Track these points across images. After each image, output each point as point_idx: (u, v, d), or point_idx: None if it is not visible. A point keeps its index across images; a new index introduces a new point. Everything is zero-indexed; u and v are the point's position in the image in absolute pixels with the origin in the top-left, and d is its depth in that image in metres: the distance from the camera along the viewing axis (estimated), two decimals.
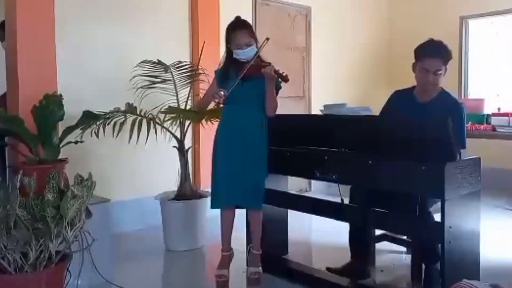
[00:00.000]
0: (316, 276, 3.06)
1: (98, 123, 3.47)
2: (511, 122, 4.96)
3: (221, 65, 3.08)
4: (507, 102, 6.00)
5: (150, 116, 3.64)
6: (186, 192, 3.83)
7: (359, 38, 6.63)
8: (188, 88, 4.00)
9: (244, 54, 2.90)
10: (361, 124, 2.80)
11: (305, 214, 3.19)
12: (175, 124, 3.82)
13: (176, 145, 3.82)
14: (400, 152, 2.52)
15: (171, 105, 3.82)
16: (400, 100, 3.17)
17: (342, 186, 2.94)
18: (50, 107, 3.21)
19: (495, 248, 3.55)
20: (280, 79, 2.87)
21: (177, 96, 3.90)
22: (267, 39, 2.87)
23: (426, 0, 6.76)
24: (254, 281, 3.05)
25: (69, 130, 3.32)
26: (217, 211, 3.08)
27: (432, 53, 2.92)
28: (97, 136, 3.46)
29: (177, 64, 3.85)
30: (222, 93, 2.82)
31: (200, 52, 4.11)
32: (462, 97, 6.32)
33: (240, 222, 3.21)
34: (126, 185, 4.23)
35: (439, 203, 2.40)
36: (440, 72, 2.92)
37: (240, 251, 3.29)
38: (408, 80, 3.16)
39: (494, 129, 5.04)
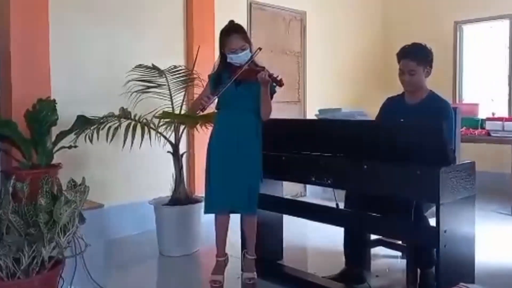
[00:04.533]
0: (311, 281, 3.05)
1: (92, 127, 3.46)
2: (505, 126, 4.98)
3: (215, 69, 3.07)
4: (501, 106, 6.04)
5: (144, 121, 3.63)
6: (181, 197, 3.81)
7: (354, 42, 6.65)
8: (183, 93, 4.00)
9: (238, 58, 2.90)
10: (356, 129, 2.80)
11: (300, 219, 3.17)
12: (169, 129, 3.81)
13: (171, 150, 3.81)
14: (395, 157, 2.52)
15: (166, 109, 3.81)
16: (390, 105, 3.24)
17: (337, 191, 2.94)
18: (43, 111, 3.20)
19: (490, 252, 3.55)
20: (274, 84, 2.87)
21: (171, 100, 3.89)
22: (259, 49, 2.90)
23: (420, 5, 6.80)
24: (249, 286, 3.03)
25: (62, 134, 3.31)
26: (212, 216, 3.06)
27: (405, 54, 3.04)
28: (91, 141, 3.45)
29: (172, 68, 3.85)
30: (207, 98, 2.83)
31: (195, 57, 4.11)
32: (457, 101, 6.35)
33: (234, 227, 3.19)
34: (120, 190, 4.21)
35: (434, 208, 2.40)
36: (414, 72, 2.99)
37: (234, 256, 3.27)
38: None
39: (488, 133, 5.06)
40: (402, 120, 2.94)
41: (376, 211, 2.75)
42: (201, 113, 3.00)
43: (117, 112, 3.60)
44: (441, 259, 2.35)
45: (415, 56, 2.99)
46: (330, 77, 6.28)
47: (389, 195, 2.59)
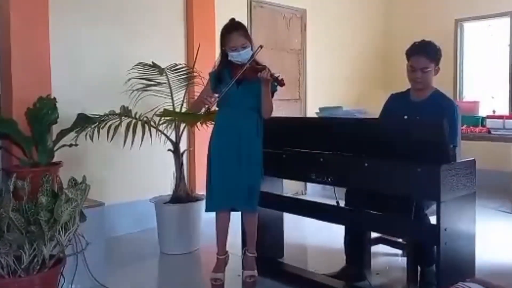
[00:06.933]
0: (312, 279, 3.05)
1: (92, 126, 3.46)
2: (506, 124, 4.97)
3: (216, 67, 3.07)
4: (501, 104, 6.03)
5: (145, 119, 3.63)
6: (181, 195, 3.82)
7: (355, 40, 6.64)
8: (184, 91, 3.99)
9: (239, 56, 2.89)
10: (357, 127, 2.80)
11: (300, 217, 3.18)
12: (170, 127, 3.81)
13: (171, 148, 3.81)
14: (395, 155, 2.52)
15: (166, 107, 3.81)
16: (395, 102, 3.23)
17: (337, 189, 2.94)
18: (44, 110, 3.20)
19: (490, 250, 3.55)
20: (276, 83, 2.86)
21: (172, 98, 3.89)
22: (261, 46, 2.88)
23: (422, 3, 6.79)
24: (250, 284, 3.03)
25: (63, 133, 3.31)
26: (212, 214, 3.06)
27: (418, 51, 3.01)
28: (92, 139, 3.45)
29: (173, 66, 3.84)
30: (212, 99, 2.81)
31: (195, 55, 4.10)
32: (457, 99, 6.34)
33: (235, 225, 3.19)
34: (121, 188, 4.21)
35: (434, 205, 2.40)
36: (427, 69, 2.98)
37: (235, 254, 3.27)
38: (404, 82, 3.17)
39: (489, 131, 5.05)
40: (406, 117, 2.94)
41: (377, 209, 2.74)
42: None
43: (117, 110, 3.60)
44: (442, 257, 2.34)
45: (428, 53, 2.98)
46: (330, 75, 6.27)
47: (389, 193, 2.60)
